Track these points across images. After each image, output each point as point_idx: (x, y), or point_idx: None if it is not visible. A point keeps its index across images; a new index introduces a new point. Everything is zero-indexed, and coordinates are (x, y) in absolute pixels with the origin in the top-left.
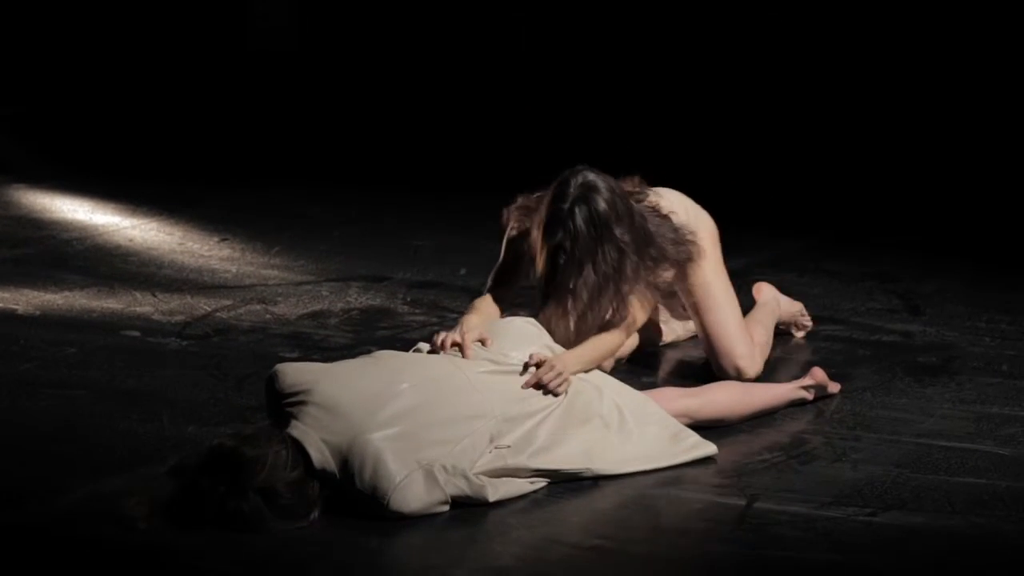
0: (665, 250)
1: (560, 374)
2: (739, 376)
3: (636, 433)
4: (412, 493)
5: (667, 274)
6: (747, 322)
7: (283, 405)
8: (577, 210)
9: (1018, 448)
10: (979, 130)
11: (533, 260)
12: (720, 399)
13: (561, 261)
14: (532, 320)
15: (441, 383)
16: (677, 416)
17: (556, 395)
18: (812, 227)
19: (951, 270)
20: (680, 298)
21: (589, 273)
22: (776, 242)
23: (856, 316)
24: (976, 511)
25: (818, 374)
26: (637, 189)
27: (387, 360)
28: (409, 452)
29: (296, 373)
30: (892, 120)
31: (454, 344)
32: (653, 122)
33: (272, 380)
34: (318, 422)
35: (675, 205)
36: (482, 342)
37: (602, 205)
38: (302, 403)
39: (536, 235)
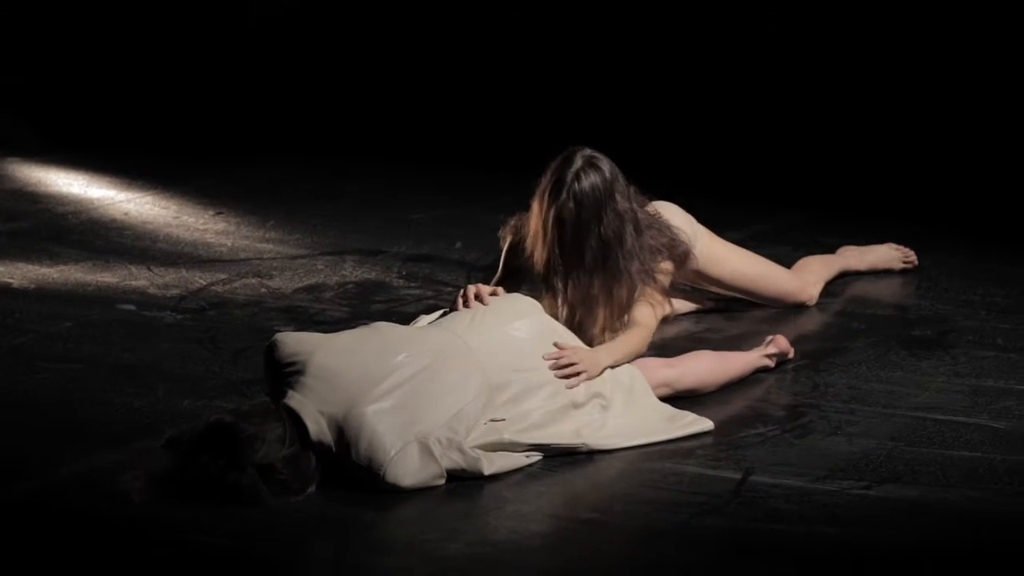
0: (661, 239)
1: (583, 371)
2: (808, 304)
3: (632, 416)
4: (407, 466)
5: (665, 264)
6: (808, 261)
7: (281, 375)
8: (583, 174)
9: (1013, 421)
10: (974, 104)
11: (532, 252)
12: (698, 368)
13: (566, 225)
14: (535, 301)
15: (439, 353)
16: (659, 386)
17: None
18: (807, 200)
19: (946, 243)
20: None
21: (593, 238)
22: (772, 215)
23: (851, 289)
24: (971, 484)
25: (781, 342)
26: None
27: (385, 331)
28: (405, 425)
29: (295, 343)
30: (888, 93)
31: (476, 296)
32: (649, 95)
33: (271, 349)
34: (315, 393)
35: (674, 216)
36: (495, 293)
37: (607, 173)
38: (299, 372)
39: (536, 207)
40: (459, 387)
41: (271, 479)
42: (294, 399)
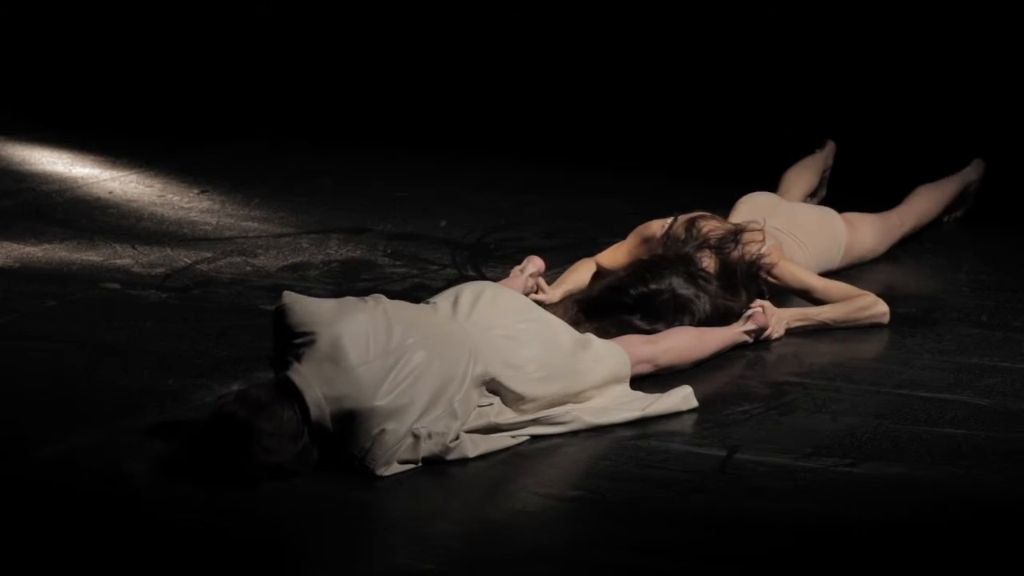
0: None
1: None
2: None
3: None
4: (388, 449)
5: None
6: (924, 192)
7: (288, 343)
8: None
9: (997, 399)
10: (957, 82)
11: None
12: (678, 343)
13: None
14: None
15: (438, 341)
16: (640, 362)
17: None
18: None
19: (932, 221)
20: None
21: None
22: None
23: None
24: (955, 461)
25: (759, 318)
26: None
27: (392, 310)
28: (407, 418)
29: (304, 312)
30: (869, 66)
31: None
32: (622, 71)
33: (281, 315)
34: (321, 372)
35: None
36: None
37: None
38: (307, 345)
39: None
40: (452, 376)
41: (278, 469)
42: (299, 375)
